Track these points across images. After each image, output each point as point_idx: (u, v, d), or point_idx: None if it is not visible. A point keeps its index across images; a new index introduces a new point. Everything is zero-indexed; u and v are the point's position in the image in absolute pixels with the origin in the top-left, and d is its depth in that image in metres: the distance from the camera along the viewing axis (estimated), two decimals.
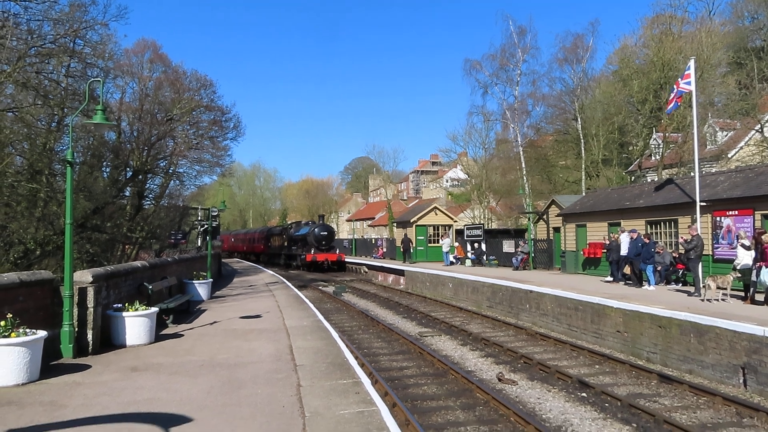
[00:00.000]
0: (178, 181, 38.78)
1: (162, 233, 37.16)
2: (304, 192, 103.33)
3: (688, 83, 17.92)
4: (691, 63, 18.04)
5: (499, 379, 11.40)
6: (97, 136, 26.29)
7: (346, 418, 6.51)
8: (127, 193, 32.66)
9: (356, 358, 10.65)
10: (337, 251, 42.93)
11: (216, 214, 30.66)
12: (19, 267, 19.54)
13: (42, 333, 8.32)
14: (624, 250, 19.41)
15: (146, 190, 34.99)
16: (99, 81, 11.30)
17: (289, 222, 53.32)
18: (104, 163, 30.79)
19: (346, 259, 43.39)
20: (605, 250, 20.48)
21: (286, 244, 47.71)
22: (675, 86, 18.73)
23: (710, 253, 17.65)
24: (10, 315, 7.96)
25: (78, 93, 21.80)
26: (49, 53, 20.00)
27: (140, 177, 32.41)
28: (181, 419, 6.44)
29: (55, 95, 20.65)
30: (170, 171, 36.21)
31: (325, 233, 41.82)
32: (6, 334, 7.80)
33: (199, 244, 35.58)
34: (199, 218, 33.52)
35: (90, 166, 27.68)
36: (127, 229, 30.26)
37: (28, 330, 8.11)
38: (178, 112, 32.46)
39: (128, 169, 31.97)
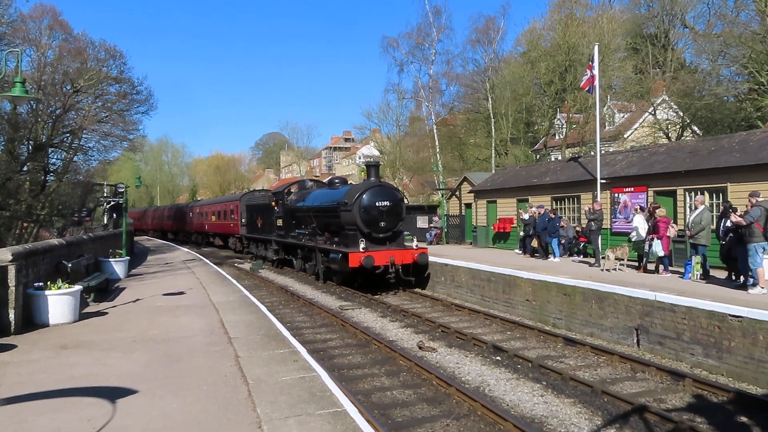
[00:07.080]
0: (83, 156, 36.91)
1: (66, 210, 35.38)
2: (214, 168, 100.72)
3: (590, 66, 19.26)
4: (596, 48, 19.35)
5: (420, 347, 11.98)
6: None
7: (288, 384, 6.87)
8: (26, 169, 30.84)
9: (289, 330, 10.95)
10: (415, 242, 20.69)
11: (123, 190, 29.57)
12: None
13: None
14: None
15: (51, 165, 33.16)
16: (18, 51, 10.75)
17: (283, 185, 31.21)
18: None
19: None
20: (524, 225, 21.40)
21: (281, 223, 26.52)
22: (588, 69, 19.78)
23: (608, 226, 19.19)
24: None
25: None
26: None
27: (43, 151, 30.68)
28: (126, 391, 6.58)
29: None
30: (74, 145, 34.41)
31: (387, 203, 19.60)
32: None
33: (105, 222, 34.17)
34: (105, 195, 32.22)
35: None
36: (27, 206, 28.68)
37: None
38: (85, 84, 30.82)
39: (29, 142, 30.16)
